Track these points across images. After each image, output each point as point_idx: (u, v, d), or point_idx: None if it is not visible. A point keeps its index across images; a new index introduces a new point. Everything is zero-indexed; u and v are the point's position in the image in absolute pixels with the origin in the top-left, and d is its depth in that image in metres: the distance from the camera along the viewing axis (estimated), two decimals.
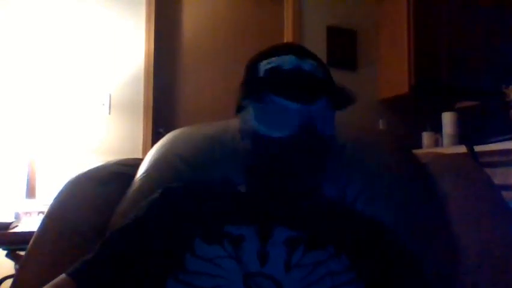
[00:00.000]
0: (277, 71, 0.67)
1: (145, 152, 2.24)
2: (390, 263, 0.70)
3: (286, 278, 0.62)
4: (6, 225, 1.63)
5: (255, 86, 0.69)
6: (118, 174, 0.98)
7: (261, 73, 0.68)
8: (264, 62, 0.69)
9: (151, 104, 2.46)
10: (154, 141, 1.37)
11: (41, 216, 0.94)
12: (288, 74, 0.66)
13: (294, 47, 0.72)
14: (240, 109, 0.73)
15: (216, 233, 0.67)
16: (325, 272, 0.64)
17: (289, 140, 0.64)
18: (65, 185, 0.96)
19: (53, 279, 0.65)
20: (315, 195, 0.74)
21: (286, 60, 0.67)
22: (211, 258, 0.64)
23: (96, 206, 0.91)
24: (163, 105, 2.56)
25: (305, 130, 0.64)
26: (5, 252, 1.68)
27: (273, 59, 0.68)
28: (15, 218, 1.73)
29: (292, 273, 0.63)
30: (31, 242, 0.88)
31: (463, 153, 1.98)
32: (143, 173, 0.94)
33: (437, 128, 2.97)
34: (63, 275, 0.65)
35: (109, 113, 2.36)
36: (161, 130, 2.44)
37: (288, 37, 2.90)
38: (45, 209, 0.94)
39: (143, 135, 2.43)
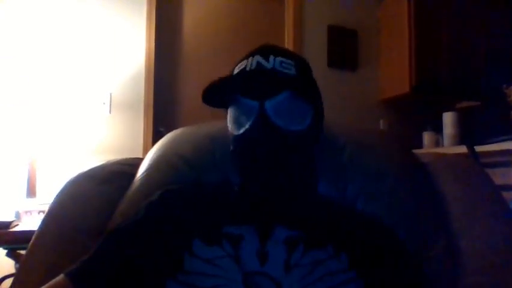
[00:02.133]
0: (242, 72, 0.69)
1: (145, 151, 2.24)
2: (389, 262, 0.70)
3: (285, 278, 0.62)
4: (7, 224, 1.63)
5: (225, 89, 0.71)
6: (118, 173, 0.98)
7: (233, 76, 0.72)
8: (238, 65, 0.72)
9: (152, 103, 2.46)
10: (154, 141, 1.37)
11: (42, 216, 0.94)
12: (250, 73, 0.69)
13: (263, 47, 0.73)
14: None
15: (214, 233, 0.67)
16: (324, 271, 0.64)
17: (246, 134, 0.68)
18: (66, 184, 0.96)
19: (53, 278, 0.66)
20: (308, 191, 0.75)
21: (251, 61, 0.69)
22: (210, 259, 0.64)
23: (96, 205, 0.91)
24: (163, 104, 2.56)
25: (257, 125, 0.67)
26: (5, 251, 1.69)
27: (243, 62, 0.71)
28: (16, 217, 1.73)
29: (291, 273, 0.63)
30: (31, 241, 0.88)
31: (464, 154, 1.98)
32: (144, 172, 0.94)
33: (438, 128, 2.97)
34: (61, 275, 0.65)
35: (110, 112, 2.36)
36: (161, 129, 2.44)
37: (288, 37, 2.90)
38: (46, 208, 0.94)
39: (144, 135, 2.43)
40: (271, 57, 0.69)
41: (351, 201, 0.88)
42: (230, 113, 0.73)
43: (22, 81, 2.12)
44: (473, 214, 0.88)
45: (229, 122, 0.73)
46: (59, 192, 0.94)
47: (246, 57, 0.71)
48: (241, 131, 0.69)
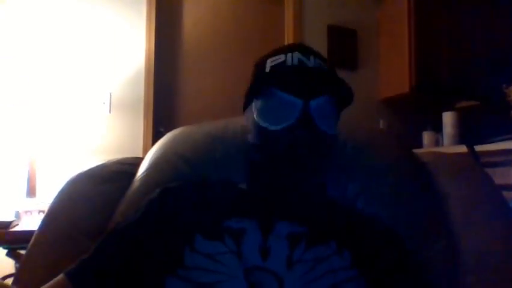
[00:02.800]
0: (281, 67, 0.68)
1: (145, 151, 2.24)
2: (390, 261, 0.70)
3: (288, 274, 0.62)
4: (7, 224, 1.63)
5: (260, 81, 0.70)
6: (118, 173, 0.98)
7: (267, 69, 0.70)
8: (270, 59, 0.71)
9: (152, 103, 2.46)
10: (154, 140, 1.37)
11: (42, 215, 0.94)
12: (291, 69, 0.68)
13: (300, 45, 0.73)
14: (246, 106, 0.75)
15: (216, 228, 0.67)
16: (327, 268, 0.64)
17: (285, 132, 0.66)
18: (66, 184, 0.96)
19: (53, 278, 0.66)
20: (319, 191, 0.75)
21: (291, 57, 0.68)
22: (211, 254, 0.64)
23: (96, 205, 0.91)
24: (163, 104, 2.56)
25: (301, 123, 0.65)
26: (5, 251, 1.68)
27: (279, 56, 0.70)
28: (16, 216, 1.73)
29: (294, 269, 0.63)
30: (31, 241, 0.88)
31: (464, 153, 1.98)
32: (144, 172, 0.94)
33: (438, 128, 2.97)
34: (61, 275, 0.65)
35: (110, 112, 2.36)
36: (161, 129, 2.44)
37: (288, 36, 2.90)
38: (46, 207, 0.94)
39: (144, 134, 2.43)
40: (312, 57, 0.69)
41: (351, 200, 0.88)
42: (262, 105, 0.70)
43: (22, 81, 2.12)
44: (473, 214, 0.88)
45: (259, 114, 0.70)
46: (59, 192, 0.94)
47: (283, 52, 0.70)
48: (282, 126, 0.66)
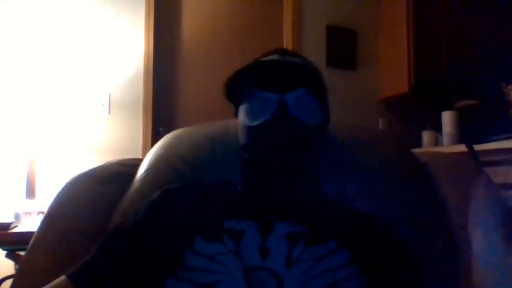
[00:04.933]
0: (257, 66, 0.71)
1: (145, 151, 2.24)
2: (389, 259, 0.70)
3: (287, 273, 0.62)
4: (6, 226, 1.63)
5: (236, 82, 0.73)
6: (118, 174, 0.98)
7: (246, 71, 0.73)
8: (252, 63, 0.73)
9: (151, 104, 2.45)
10: (154, 141, 1.37)
11: (41, 217, 0.94)
12: (266, 66, 0.71)
13: (280, 49, 0.77)
14: (237, 110, 0.78)
15: (215, 229, 0.67)
16: (326, 267, 0.64)
17: (262, 127, 0.69)
18: (65, 185, 0.96)
19: (53, 279, 0.66)
20: (312, 187, 0.75)
21: (268, 58, 0.72)
22: (211, 255, 0.64)
23: (96, 206, 0.91)
24: (162, 104, 2.56)
25: (278, 117, 0.68)
26: (4, 252, 1.68)
27: (260, 58, 0.74)
28: (15, 218, 1.73)
29: (293, 268, 0.63)
30: (31, 242, 0.88)
31: (463, 152, 1.98)
32: (143, 173, 0.94)
33: (437, 127, 2.97)
34: (63, 277, 0.65)
35: (109, 113, 2.36)
36: (161, 130, 2.44)
37: (287, 35, 2.90)
38: (45, 209, 0.94)
39: (143, 135, 2.42)
40: (288, 56, 0.72)
41: (350, 200, 0.88)
42: (245, 106, 0.73)
43: (21, 81, 2.12)
44: (472, 213, 0.88)
45: (243, 115, 0.73)
46: (59, 193, 0.94)
47: (264, 56, 0.74)
48: (260, 121, 0.69)
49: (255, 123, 0.70)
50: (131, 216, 0.73)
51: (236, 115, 0.79)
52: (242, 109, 0.74)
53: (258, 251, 0.65)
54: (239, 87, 0.73)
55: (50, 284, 0.65)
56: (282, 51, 0.74)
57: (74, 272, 0.66)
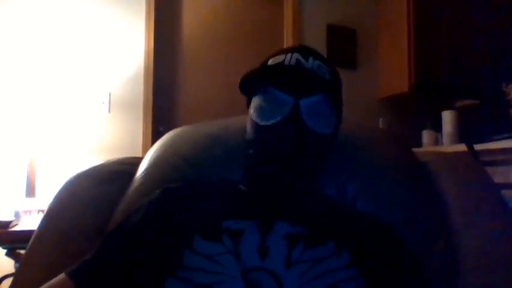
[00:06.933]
0: (278, 66, 0.70)
1: (145, 150, 2.24)
2: (390, 261, 0.70)
3: (286, 274, 0.62)
4: (6, 224, 1.63)
5: (255, 78, 0.72)
6: (118, 173, 0.97)
7: (265, 67, 0.72)
8: (272, 58, 0.73)
9: (151, 103, 2.46)
10: (154, 140, 1.37)
11: (41, 215, 0.94)
12: (287, 68, 0.70)
13: (302, 47, 0.75)
14: (249, 103, 0.77)
15: (215, 229, 0.67)
16: (325, 268, 0.64)
17: (272, 127, 0.68)
18: (65, 184, 0.96)
19: (52, 278, 0.66)
20: (313, 188, 0.75)
21: (290, 57, 0.70)
22: (210, 255, 0.64)
23: (96, 204, 0.91)
24: (163, 103, 2.56)
25: (289, 120, 0.67)
26: (4, 251, 1.69)
27: (280, 56, 0.72)
28: (15, 216, 1.73)
29: (292, 269, 0.63)
30: (31, 240, 0.88)
31: (463, 152, 1.98)
32: (143, 171, 0.94)
33: (437, 127, 2.97)
34: (62, 275, 0.65)
35: (109, 112, 2.36)
36: (161, 128, 2.44)
37: (288, 35, 2.90)
38: (45, 207, 0.94)
39: (143, 134, 2.43)
40: (311, 59, 0.71)
41: (350, 200, 0.88)
42: (257, 102, 0.72)
43: (22, 81, 2.12)
44: (473, 213, 0.88)
45: (255, 111, 0.72)
46: (59, 192, 0.94)
47: (284, 52, 0.72)
48: (271, 122, 0.69)
49: (265, 122, 0.69)
50: (131, 216, 0.73)
51: (248, 105, 0.78)
52: (254, 103, 0.73)
53: (257, 251, 0.64)
54: (256, 81, 0.72)
55: (50, 282, 0.65)
56: (305, 51, 0.72)
57: (74, 270, 0.66)
